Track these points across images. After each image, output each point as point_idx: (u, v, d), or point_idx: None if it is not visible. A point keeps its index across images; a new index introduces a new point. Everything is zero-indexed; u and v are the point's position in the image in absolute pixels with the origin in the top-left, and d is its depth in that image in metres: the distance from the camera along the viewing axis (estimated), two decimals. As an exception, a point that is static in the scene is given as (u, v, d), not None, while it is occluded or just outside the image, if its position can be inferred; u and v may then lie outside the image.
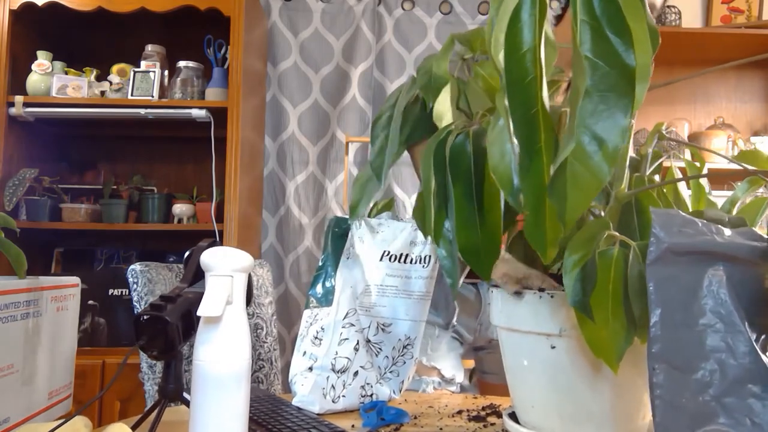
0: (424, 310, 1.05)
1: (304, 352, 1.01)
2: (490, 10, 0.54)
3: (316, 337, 1.01)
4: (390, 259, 1.03)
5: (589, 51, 0.49)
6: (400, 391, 1.05)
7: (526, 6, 0.52)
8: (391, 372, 1.05)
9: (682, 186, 0.76)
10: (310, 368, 0.99)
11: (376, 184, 0.81)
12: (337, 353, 1.00)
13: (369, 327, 1.03)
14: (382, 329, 1.03)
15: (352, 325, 1.02)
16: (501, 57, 0.52)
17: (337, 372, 0.99)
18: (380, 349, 1.04)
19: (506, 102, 0.53)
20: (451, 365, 1.30)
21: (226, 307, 0.67)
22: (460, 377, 1.31)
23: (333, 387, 0.98)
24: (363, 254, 1.03)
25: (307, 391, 0.97)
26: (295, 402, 0.98)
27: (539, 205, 0.55)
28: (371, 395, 1.02)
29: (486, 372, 1.41)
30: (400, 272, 1.03)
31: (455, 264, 0.65)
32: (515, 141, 0.54)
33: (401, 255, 1.04)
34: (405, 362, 1.05)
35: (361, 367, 1.01)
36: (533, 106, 0.53)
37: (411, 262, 1.04)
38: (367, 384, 1.02)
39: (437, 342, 1.30)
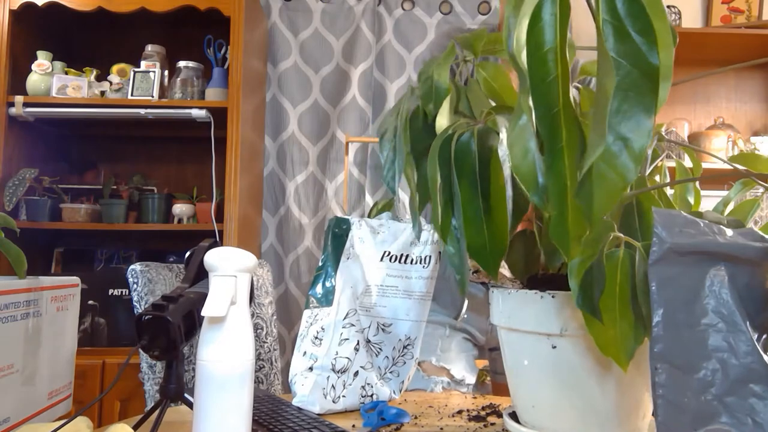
0: (425, 310, 1.05)
1: (305, 352, 1.01)
2: (506, 9, 0.54)
3: (316, 337, 1.01)
4: (390, 260, 1.04)
5: (612, 50, 0.49)
6: (401, 391, 1.06)
7: (548, 5, 0.52)
8: (391, 372, 1.05)
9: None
10: (311, 368, 0.99)
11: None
12: (337, 353, 1.00)
13: (369, 327, 1.03)
14: (383, 329, 1.04)
15: (353, 325, 1.02)
16: (523, 56, 0.52)
17: (338, 372, 0.99)
18: (380, 349, 1.04)
19: (531, 101, 0.53)
20: (462, 366, 1.29)
21: (230, 308, 0.67)
22: (472, 379, 1.30)
23: (333, 387, 0.99)
24: (363, 254, 1.04)
25: (308, 391, 0.97)
26: (295, 402, 0.98)
27: (562, 203, 0.54)
28: (371, 395, 1.02)
29: (498, 373, 1.40)
30: (400, 272, 1.03)
31: (464, 261, 0.65)
32: (536, 141, 0.54)
33: (401, 255, 1.04)
34: (405, 362, 1.05)
35: (362, 367, 1.01)
36: (555, 105, 0.53)
37: (411, 263, 1.04)
38: (368, 384, 1.02)
39: (447, 342, 1.29)
